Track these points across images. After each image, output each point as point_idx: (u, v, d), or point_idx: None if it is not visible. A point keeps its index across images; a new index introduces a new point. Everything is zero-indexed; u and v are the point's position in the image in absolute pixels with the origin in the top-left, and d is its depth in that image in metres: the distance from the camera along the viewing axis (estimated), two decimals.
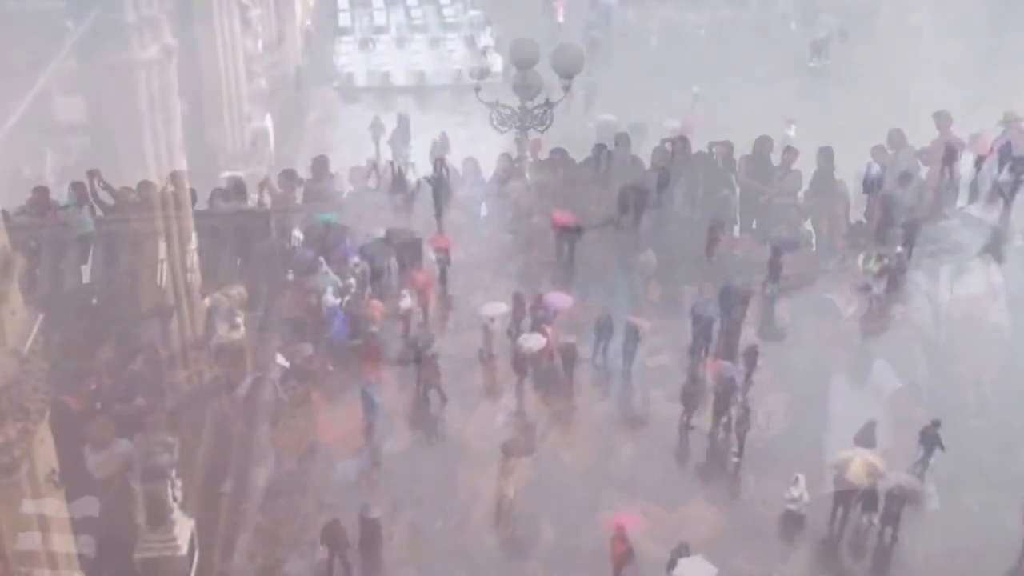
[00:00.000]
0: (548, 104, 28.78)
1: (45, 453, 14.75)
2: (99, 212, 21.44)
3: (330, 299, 23.36)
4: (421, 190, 28.28)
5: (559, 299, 23.25)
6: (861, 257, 25.21)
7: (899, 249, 24.97)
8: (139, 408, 19.28)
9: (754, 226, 29.26)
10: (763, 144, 30.65)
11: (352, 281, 23.97)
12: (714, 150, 32.03)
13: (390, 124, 31.78)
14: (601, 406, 22.10)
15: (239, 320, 22.10)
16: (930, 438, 19.96)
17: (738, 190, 30.22)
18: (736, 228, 29.76)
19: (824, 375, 22.68)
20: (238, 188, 26.15)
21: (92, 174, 21.79)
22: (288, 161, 30.80)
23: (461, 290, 25.22)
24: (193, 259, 21.27)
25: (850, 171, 28.61)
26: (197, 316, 21.47)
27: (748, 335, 22.98)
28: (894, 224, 26.52)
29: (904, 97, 31.33)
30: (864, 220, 28.28)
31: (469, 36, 39.19)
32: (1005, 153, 29.05)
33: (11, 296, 13.57)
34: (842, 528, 19.13)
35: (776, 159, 30.33)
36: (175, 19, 20.02)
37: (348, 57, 38.17)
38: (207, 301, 21.88)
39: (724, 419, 21.00)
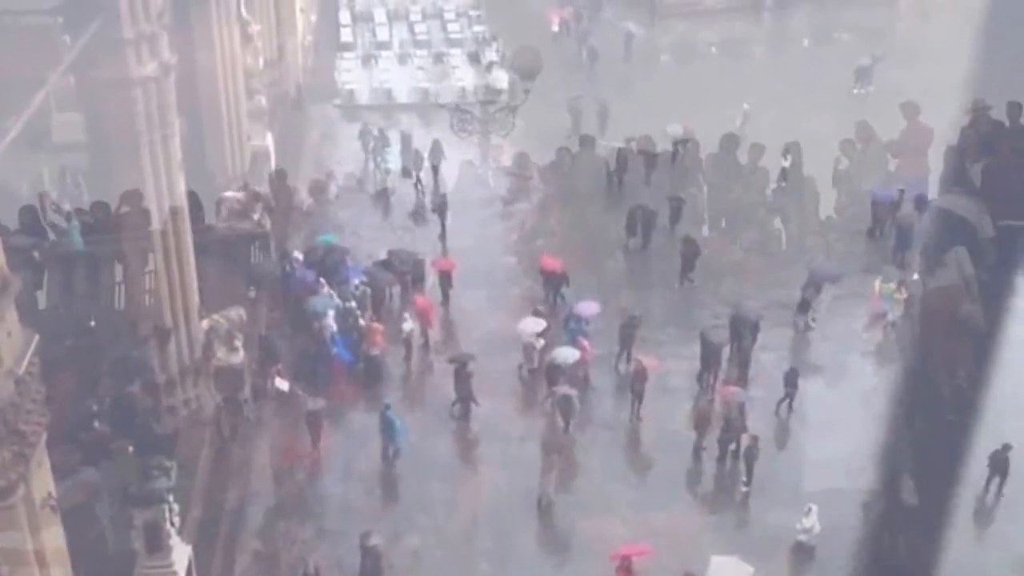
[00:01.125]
0: (510, 107, 28.57)
1: (42, 477, 14.35)
2: (51, 235, 20.78)
3: (331, 322, 22.96)
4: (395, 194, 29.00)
5: (588, 307, 23.44)
6: (878, 281, 24.70)
7: (915, 276, 24.64)
8: (102, 435, 18.82)
9: (723, 225, 29.31)
10: (729, 142, 30.52)
11: (353, 304, 23.59)
12: (679, 149, 32.08)
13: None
14: (609, 435, 21.73)
15: (238, 343, 21.71)
16: (1000, 462, 19.75)
17: (705, 188, 30.17)
18: (704, 228, 30.01)
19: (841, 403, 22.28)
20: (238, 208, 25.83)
21: (43, 196, 21.41)
22: (291, 180, 30.44)
23: (464, 313, 24.89)
24: (191, 279, 20.84)
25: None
26: (195, 338, 21.05)
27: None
28: (910, 248, 26.24)
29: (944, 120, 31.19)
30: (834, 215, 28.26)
31: (474, 52, 38.92)
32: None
33: (7, 317, 13.19)
34: None
35: (743, 157, 30.43)
36: (174, 35, 19.73)
37: (350, 74, 37.88)
38: (205, 323, 21.49)
39: (733, 447, 20.64)
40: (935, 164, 29.91)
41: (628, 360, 22.66)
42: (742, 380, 22.24)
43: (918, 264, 25.34)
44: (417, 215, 28.55)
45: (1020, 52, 28.38)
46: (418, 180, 29.39)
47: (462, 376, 21.69)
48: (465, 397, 21.78)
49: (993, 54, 29.86)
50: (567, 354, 22.12)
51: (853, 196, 29.13)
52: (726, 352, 22.65)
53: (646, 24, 32.60)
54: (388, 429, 20.70)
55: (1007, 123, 29.10)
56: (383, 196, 29.61)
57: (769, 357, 23.09)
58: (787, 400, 21.84)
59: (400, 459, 20.75)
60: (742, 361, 22.53)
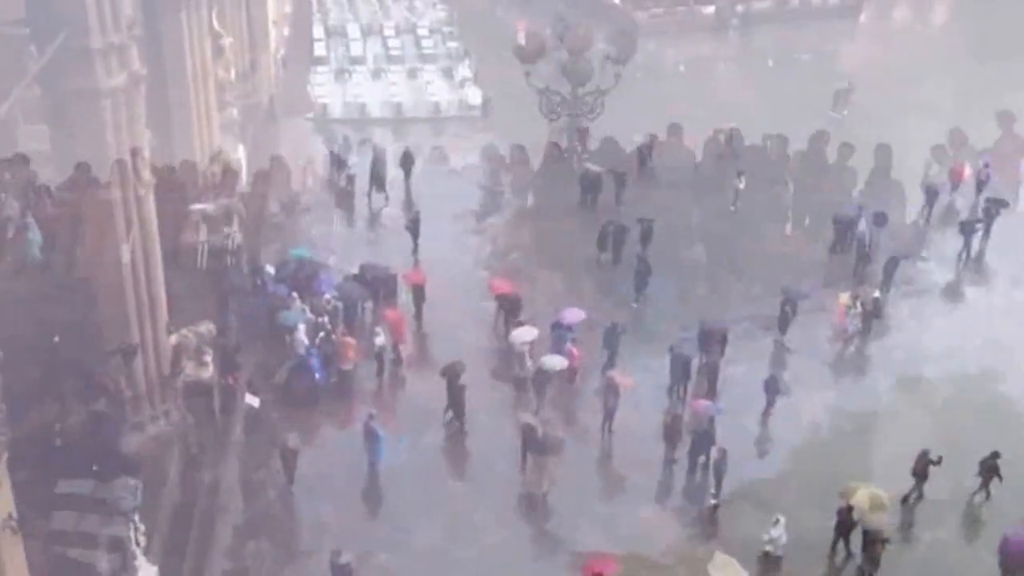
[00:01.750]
0: (600, 91, 28.33)
1: (2, 497, 14.10)
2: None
3: (302, 336, 22.74)
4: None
5: (573, 314, 23.59)
6: (844, 295, 24.94)
7: (876, 294, 24.90)
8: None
9: (807, 223, 29.12)
10: (819, 139, 30.39)
11: (325, 319, 23.38)
12: (768, 144, 31.89)
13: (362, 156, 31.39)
14: (580, 448, 21.63)
15: (207, 358, 21.46)
16: (989, 468, 19.87)
17: (791, 185, 30.05)
18: (788, 226, 29.95)
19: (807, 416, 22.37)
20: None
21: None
22: (262, 194, 30.25)
23: (437, 327, 24.74)
24: (160, 293, 20.59)
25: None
26: (163, 353, 20.78)
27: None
28: (870, 263, 26.45)
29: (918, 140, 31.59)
30: (921, 222, 28.28)
31: (447, 68, 38.85)
32: (982, 182, 29.14)
33: None
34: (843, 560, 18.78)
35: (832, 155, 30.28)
36: (144, 46, 19.50)
37: (323, 88, 37.69)
38: (173, 338, 21.21)
39: (702, 459, 20.63)
40: None
41: (612, 366, 22.81)
42: (711, 393, 22.26)
43: (879, 278, 25.65)
44: (386, 225, 28.34)
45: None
46: (385, 191, 29.26)
47: (455, 388, 21.60)
48: (458, 409, 21.70)
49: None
50: (555, 361, 22.30)
51: (944, 202, 29.17)
52: (695, 365, 22.67)
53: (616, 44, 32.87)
54: (372, 441, 20.53)
55: None
56: (347, 198, 29.59)
57: (738, 370, 23.13)
58: (768, 407, 22.00)
59: (377, 472, 20.54)
60: (711, 374, 22.57)
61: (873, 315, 24.56)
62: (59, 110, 18.70)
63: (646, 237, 26.78)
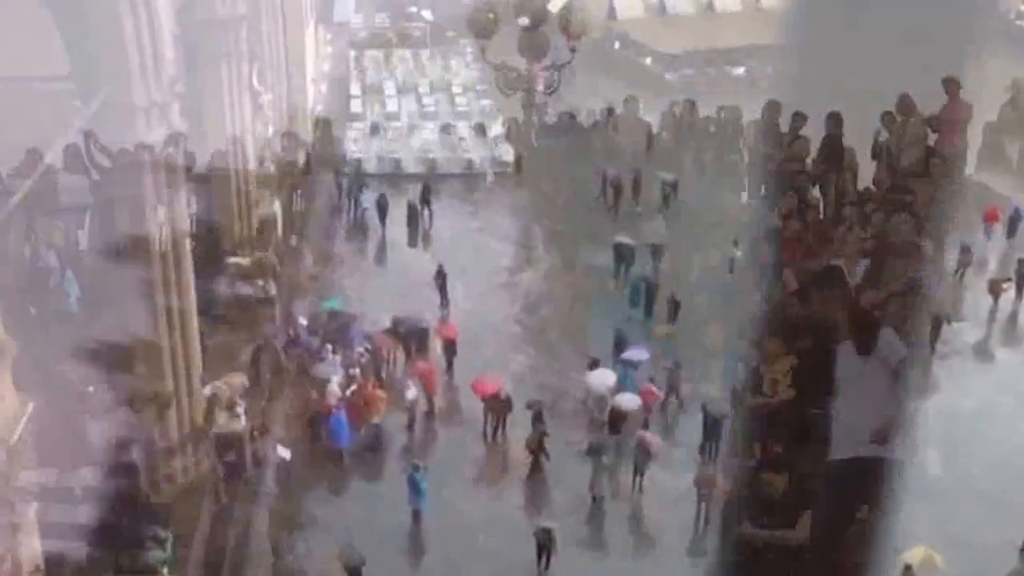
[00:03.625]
0: (556, 66, 28.52)
1: (30, 548, 14.09)
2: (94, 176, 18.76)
3: (334, 389, 22.79)
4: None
5: (638, 352, 23.85)
6: None
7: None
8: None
9: (762, 192, 29.32)
10: (772, 109, 30.67)
11: (357, 371, 23.45)
12: (722, 115, 32.12)
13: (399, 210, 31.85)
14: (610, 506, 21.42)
15: (240, 409, 21.52)
16: None
17: (746, 155, 30.25)
18: (744, 195, 29.98)
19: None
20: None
21: (88, 135, 18.67)
22: (295, 247, 30.69)
23: (467, 380, 24.69)
24: (195, 345, 20.79)
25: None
26: (196, 404, 20.88)
27: None
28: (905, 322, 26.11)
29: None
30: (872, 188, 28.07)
31: (480, 125, 39.29)
32: (1015, 220, 29.10)
33: (2, 382, 13.09)
34: None
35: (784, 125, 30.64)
36: (185, 102, 20.03)
37: (358, 143, 38.24)
38: (208, 389, 21.33)
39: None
40: (973, 140, 30.24)
41: (680, 405, 23.22)
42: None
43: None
44: (419, 278, 28.50)
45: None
46: (418, 243, 29.74)
47: (537, 428, 21.73)
48: (537, 449, 21.74)
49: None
50: (629, 400, 22.47)
51: (892, 170, 29.23)
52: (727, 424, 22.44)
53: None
54: (415, 491, 20.50)
55: None
56: (359, 230, 30.72)
57: None
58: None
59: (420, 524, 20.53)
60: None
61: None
62: (101, 163, 19.06)
63: (656, 257, 27.30)
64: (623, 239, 28.62)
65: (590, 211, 32.11)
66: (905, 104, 30.41)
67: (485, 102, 41.89)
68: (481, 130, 38.84)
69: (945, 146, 29.30)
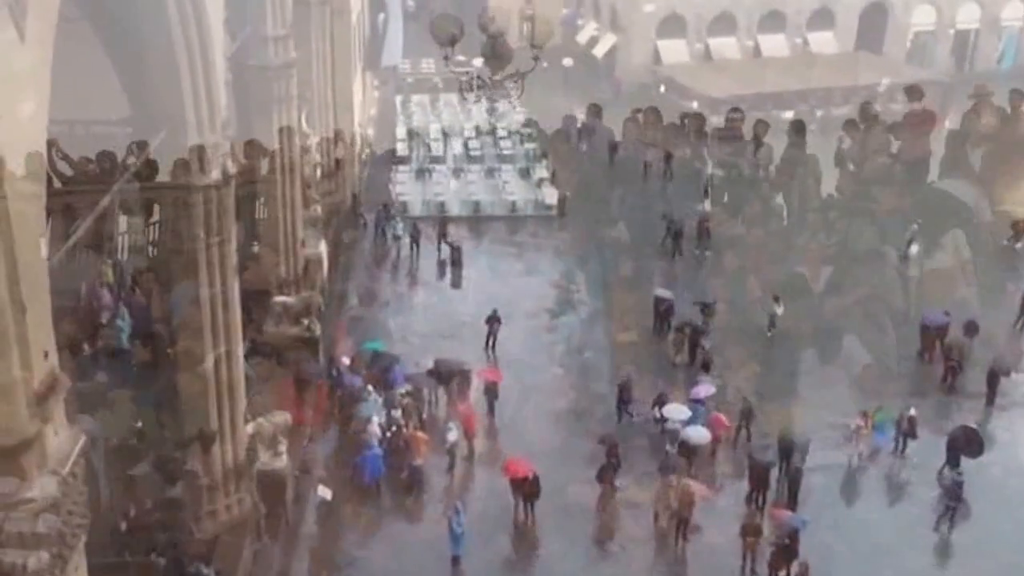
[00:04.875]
0: (520, 74, 28.68)
1: None
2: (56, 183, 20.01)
3: (375, 429, 22.91)
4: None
5: (704, 389, 24.34)
6: (870, 412, 23.58)
7: (912, 411, 23.45)
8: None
9: (725, 200, 29.33)
10: (734, 118, 30.82)
11: (398, 413, 23.55)
12: (687, 122, 32.30)
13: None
14: (652, 553, 21.23)
15: (282, 447, 21.69)
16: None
17: (710, 163, 30.38)
18: (707, 203, 29.76)
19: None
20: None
21: (50, 143, 19.71)
22: (342, 287, 31.06)
23: (508, 424, 24.73)
24: (239, 382, 21.04)
25: None
26: (240, 442, 21.08)
27: None
28: (961, 372, 25.77)
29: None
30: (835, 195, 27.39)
31: (524, 168, 39.63)
32: None
33: (56, 416, 13.32)
34: None
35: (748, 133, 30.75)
36: (237, 144, 20.55)
37: (404, 186, 38.72)
38: (250, 427, 21.54)
39: (783, 574, 19.98)
40: (936, 148, 30.12)
41: (749, 439, 23.45)
42: (792, 502, 21.71)
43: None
44: (463, 320, 28.65)
45: None
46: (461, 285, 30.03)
47: (610, 463, 22.07)
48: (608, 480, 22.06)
49: None
50: (699, 434, 22.88)
51: (854, 177, 29.29)
52: (774, 473, 22.21)
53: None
54: (453, 535, 20.48)
55: (1008, 110, 29.05)
56: (386, 258, 31.82)
57: (817, 479, 22.57)
58: (949, 513, 21.30)
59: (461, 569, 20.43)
60: (791, 483, 22.00)
61: (910, 434, 23.41)
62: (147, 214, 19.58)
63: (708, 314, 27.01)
64: (662, 292, 28.56)
65: (636, 254, 32.23)
66: (867, 112, 30.43)
67: (529, 146, 42.25)
68: (525, 173, 39.21)
69: (908, 154, 29.35)
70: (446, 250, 32.46)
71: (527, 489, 21.46)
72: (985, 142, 31.15)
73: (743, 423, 23.74)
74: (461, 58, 27.23)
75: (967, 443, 22.36)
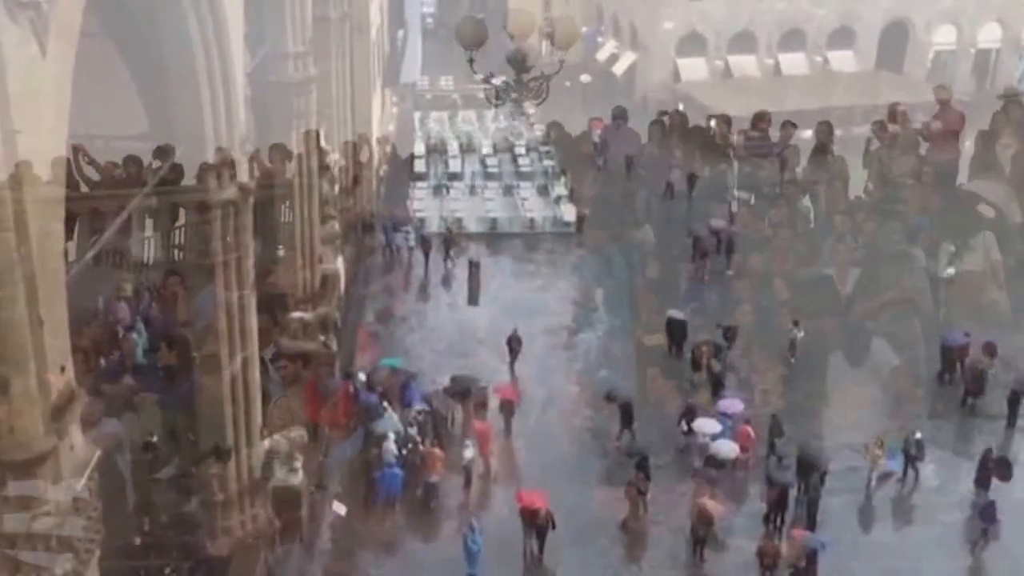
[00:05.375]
0: (545, 76, 28.64)
1: None
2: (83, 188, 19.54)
3: (391, 446, 22.84)
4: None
5: (732, 404, 24.19)
6: (880, 439, 23.21)
7: (918, 435, 23.10)
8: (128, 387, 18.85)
9: (752, 202, 29.03)
10: (761, 119, 30.54)
11: (414, 430, 23.48)
12: (712, 124, 32.07)
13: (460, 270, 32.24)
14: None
15: (298, 464, 21.64)
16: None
17: (736, 164, 30.13)
18: (734, 204, 29.29)
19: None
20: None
21: (77, 148, 19.28)
22: (359, 303, 31.05)
23: (525, 442, 24.61)
24: (256, 399, 21.04)
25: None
26: (256, 458, 21.05)
27: None
28: (983, 394, 25.50)
29: None
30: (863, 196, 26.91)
31: (543, 185, 39.62)
32: None
33: (71, 431, 13.34)
34: None
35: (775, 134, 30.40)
36: (255, 161, 20.71)
37: (422, 202, 38.77)
38: (266, 443, 21.50)
39: None
40: (966, 148, 29.86)
41: (780, 460, 22.89)
42: (810, 524, 21.48)
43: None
44: (480, 338, 28.58)
45: None
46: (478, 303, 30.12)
47: (640, 474, 21.85)
48: (636, 495, 21.80)
49: None
50: (728, 448, 22.76)
51: (883, 178, 29.01)
52: (793, 494, 22.00)
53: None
54: (468, 553, 20.32)
55: None
56: (395, 269, 32.06)
57: (836, 502, 22.34)
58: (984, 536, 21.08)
59: None
60: (810, 504, 21.77)
61: (917, 458, 23.00)
62: (171, 219, 19.63)
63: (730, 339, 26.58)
64: (675, 314, 28.11)
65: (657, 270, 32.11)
66: (896, 113, 30.22)
67: (548, 163, 42.22)
68: (544, 190, 39.20)
69: (937, 155, 29.07)
70: (459, 263, 32.36)
71: (539, 522, 20.88)
72: (1016, 143, 30.76)
73: (773, 440, 23.42)
74: (479, 77, 27.50)
75: (998, 466, 22.07)
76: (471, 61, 29.72)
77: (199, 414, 19.83)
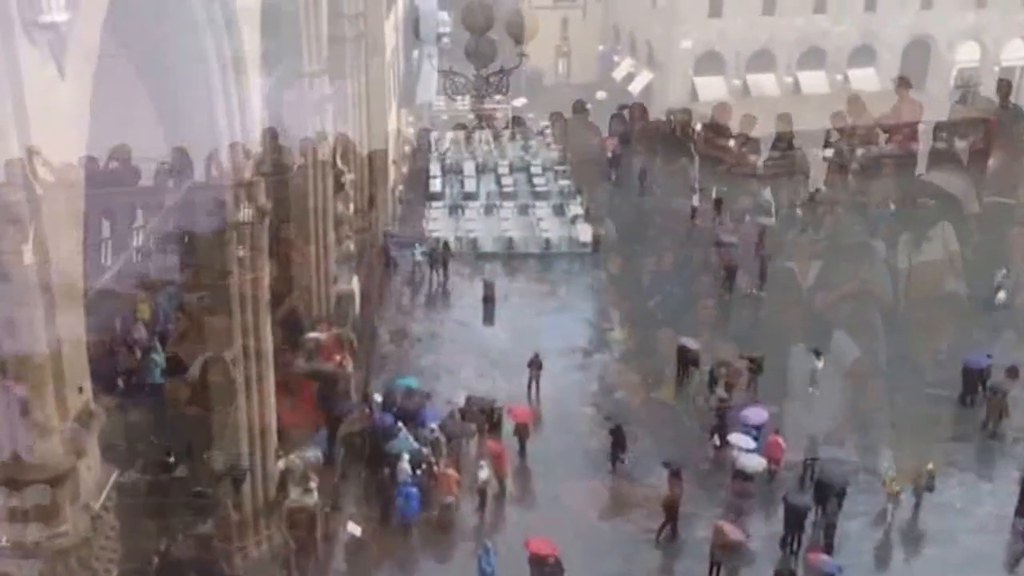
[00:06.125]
0: (504, 71, 28.57)
1: None
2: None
3: (406, 466, 22.77)
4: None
5: (756, 414, 24.11)
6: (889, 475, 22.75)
7: (930, 466, 22.68)
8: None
9: (714, 195, 28.77)
10: (721, 111, 30.46)
11: (428, 450, 23.41)
12: (672, 118, 32.04)
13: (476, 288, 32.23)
14: None
15: (312, 484, 21.59)
16: None
17: (696, 159, 30.09)
18: (696, 198, 28.91)
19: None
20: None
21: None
22: (374, 323, 31.00)
23: (539, 462, 24.49)
24: (271, 419, 21.02)
25: None
26: (271, 478, 21.02)
27: None
28: (1005, 417, 25.20)
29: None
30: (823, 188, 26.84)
31: (558, 205, 39.64)
32: None
33: (89, 451, 13.34)
34: None
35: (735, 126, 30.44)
36: (271, 182, 20.76)
37: (437, 222, 38.81)
38: (281, 463, 21.47)
39: None
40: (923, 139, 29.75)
41: (812, 477, 22.94)
42: (828, 549, 21.27)
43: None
44: (495, 359, 28.51)
45: None
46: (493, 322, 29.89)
47: (674, 488, 21.79)
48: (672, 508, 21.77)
49: None
50: (754, 462, 22.71)
51: (843, 171, 28.98)
52: (810, 517, 21.80)
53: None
54: (485, 574, 20.25)
55: (997, 101, 28.67)
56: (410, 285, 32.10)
57: (854, 525, 22.12)
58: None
59: None
60: (827, 528, 21.57)
61: (928, 488, 22.60)
62: (189, 241, 19.66)
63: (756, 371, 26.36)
64: (687, 342, 27.70)
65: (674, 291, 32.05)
66: (855, 105, 30.12)
67: (564, 182, 42.25)
68: (559, 210, 39.19)
69: (896, 146, 28.99)
70: (467, 281, 32.53)
71: (547, 570, 20.37)
72: (972, 133, 30.82)
73: (809, 459, 23.31)
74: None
75: None
76: (521, 55, 29.78)
77: (215, 434, 19.82)
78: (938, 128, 30.92)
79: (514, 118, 48.09)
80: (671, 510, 21.69)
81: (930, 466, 22.70)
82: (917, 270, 27.67)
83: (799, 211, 28.26)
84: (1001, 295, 29.13)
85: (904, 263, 26.23)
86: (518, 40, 28.21)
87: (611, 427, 24.28)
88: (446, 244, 34.70)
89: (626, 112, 37.88)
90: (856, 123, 30.40)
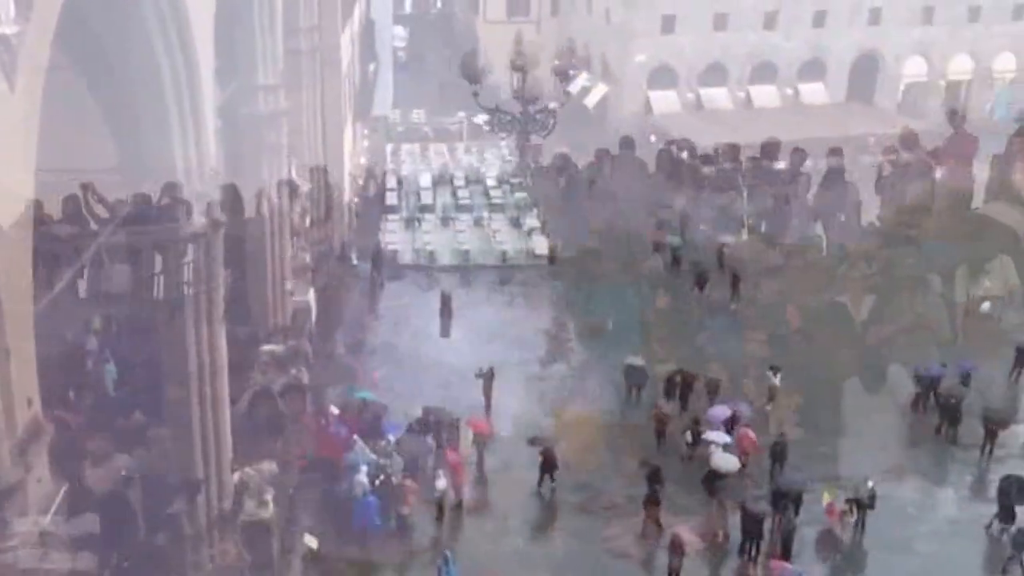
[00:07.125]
0: (550, 109, 28.78)
1: None
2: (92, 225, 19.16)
3: (363, 479, 22.72)
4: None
5: (720, 411, 24.53)
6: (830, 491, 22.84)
7: (871, 483, 22.48)
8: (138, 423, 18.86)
9: (763, 229, 28.78)
10: (770, 147, 30.41)
11: (387, 461, 23.38)
12: (719, 152, 31.97)
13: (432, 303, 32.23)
14: None
15: (268, 497, 21.48)
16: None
17: (745, 192, 30.06)
18: (744, 231, 29.41)
19: None
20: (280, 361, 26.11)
21: (85, 187, 18.83)
22: (328, 334, 30.93)
23: (498, 472, 24.54)
24: (226, 431, 20.91)
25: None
26: (226, 491, 20.89)
27: None
28: (959, 423, 25.57)
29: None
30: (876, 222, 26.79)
31: (515, 218, 39.79)
32: None
33: (37, 463, 13.28)
34: None
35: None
36: (226, 193, 20.70)
37: (394, 235, 38.80)
38: (236, 476, 21.34)
39: None
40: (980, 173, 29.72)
41: (781, 472, 23.18)
42: (785, 554, 21.46)
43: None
44: (454, 369, 28.57)
45: None
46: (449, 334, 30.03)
47: (653, 490, 21.84)
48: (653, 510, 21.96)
49: None
50: (727, 461, 22.90)
51: (896, 203, 28.92)
52: (768, 524, 22.01)
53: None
54: None
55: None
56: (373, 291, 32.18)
57: (811, 532, 22.37)
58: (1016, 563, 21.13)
59: None
60: (786, 534, 21.70)
61: (868, 506, 22.40)
62: (142, 253, 19.59)
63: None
64: (634, 360, 27.46)
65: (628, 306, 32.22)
66: (908, 138, 30.23)
67: (519, 195, 42.41)
68: (515, 222, 39.35)
69: (951, 179, 28.99)
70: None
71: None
72: None
73: (776, 461, 23.53)
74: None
75: (1019, 492, 22.08)
76: (476, 95, 29.91)
77: (168, 447, 19.71)
78: (995, 161, 30.72)
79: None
80: (649, 517, 21.96)
81: (870, 483, 22.44)
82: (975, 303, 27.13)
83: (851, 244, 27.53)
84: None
85: (961, 297, 26.03)
86: (564, 78, 28.65)
87: (540, 447, 23.96)
88: (378, 247, 34.96)
89: (673, 147, 36.65)
90: (909, 157, 30.04)
